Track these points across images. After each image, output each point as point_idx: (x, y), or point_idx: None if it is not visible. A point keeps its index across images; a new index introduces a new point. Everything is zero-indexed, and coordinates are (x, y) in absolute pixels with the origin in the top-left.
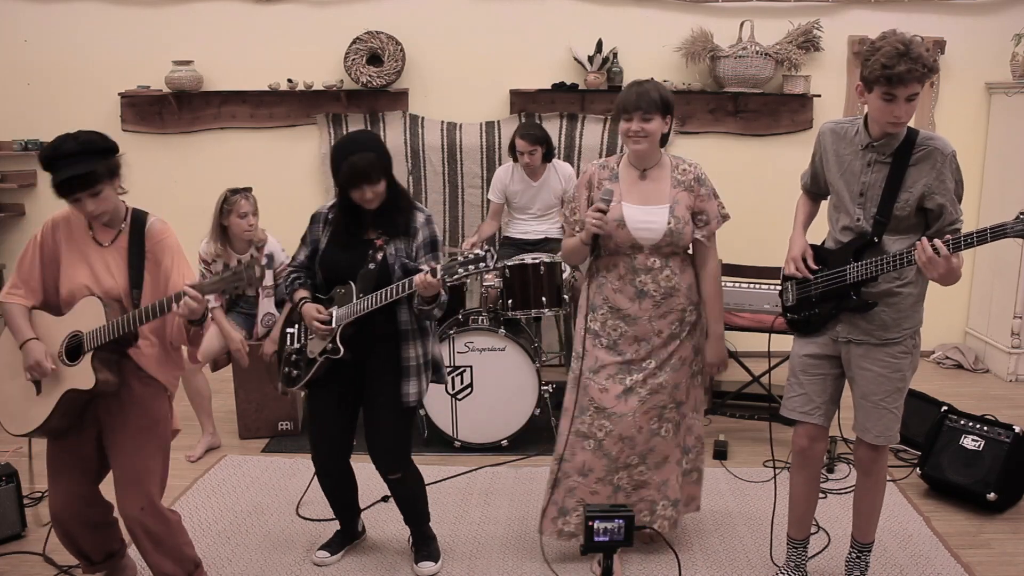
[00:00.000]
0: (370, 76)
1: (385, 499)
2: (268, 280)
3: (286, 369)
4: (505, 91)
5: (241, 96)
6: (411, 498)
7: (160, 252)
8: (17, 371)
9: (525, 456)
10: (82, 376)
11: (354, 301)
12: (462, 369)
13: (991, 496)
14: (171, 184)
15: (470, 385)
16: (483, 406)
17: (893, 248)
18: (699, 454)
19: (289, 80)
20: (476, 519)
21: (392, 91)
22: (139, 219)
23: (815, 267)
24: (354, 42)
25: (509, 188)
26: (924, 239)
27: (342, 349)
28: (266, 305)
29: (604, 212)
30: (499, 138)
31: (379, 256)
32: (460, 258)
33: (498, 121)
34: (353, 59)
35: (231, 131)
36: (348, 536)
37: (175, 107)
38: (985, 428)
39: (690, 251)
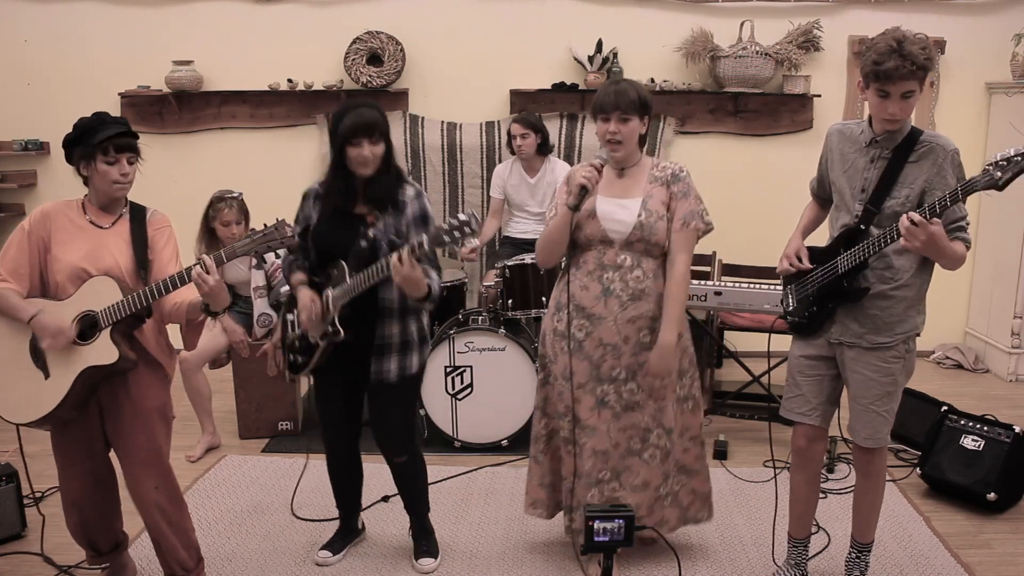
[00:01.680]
0: (370, 76)
1: (385, 499)
2: (260, 281)
3: (290, 356)
4: (505, 91)
5: (241, 96)
6: (412, 482)
7: (161, 238)
8: (14, 358)
9: (526, 456)
10: (102, 352)
11: (347, 281)
12: (462, 369)
13: (991, 496)
14: (171, 184)
15: (470, 385)
16: (483, 406)
17: (891, 247)
18: (684, 479)
19: (289, 80)
20: (476, 519)
21: (392, 91)
22: (139, 208)
23: (808, 266)
24: (354, 42)
25: (508, 183)
26: (904, 216)
27: (342, 331)
28: (260, 306)
29: (598, 169)
30: (499, 138)
31: (371, 233)
32: (444, 226)
33: (498, 121)
34: (353, 59)
35: (231, 131)
36: (348, 534)
37: (175, 107)
38: (985, 428)
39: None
